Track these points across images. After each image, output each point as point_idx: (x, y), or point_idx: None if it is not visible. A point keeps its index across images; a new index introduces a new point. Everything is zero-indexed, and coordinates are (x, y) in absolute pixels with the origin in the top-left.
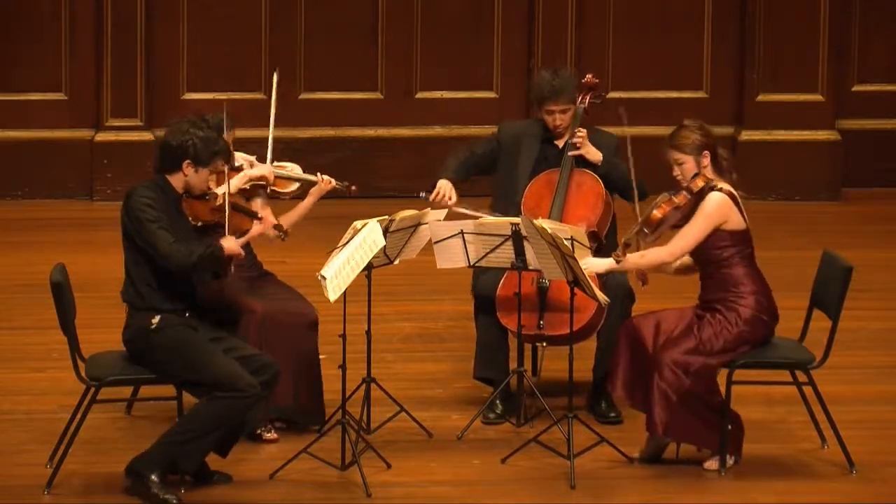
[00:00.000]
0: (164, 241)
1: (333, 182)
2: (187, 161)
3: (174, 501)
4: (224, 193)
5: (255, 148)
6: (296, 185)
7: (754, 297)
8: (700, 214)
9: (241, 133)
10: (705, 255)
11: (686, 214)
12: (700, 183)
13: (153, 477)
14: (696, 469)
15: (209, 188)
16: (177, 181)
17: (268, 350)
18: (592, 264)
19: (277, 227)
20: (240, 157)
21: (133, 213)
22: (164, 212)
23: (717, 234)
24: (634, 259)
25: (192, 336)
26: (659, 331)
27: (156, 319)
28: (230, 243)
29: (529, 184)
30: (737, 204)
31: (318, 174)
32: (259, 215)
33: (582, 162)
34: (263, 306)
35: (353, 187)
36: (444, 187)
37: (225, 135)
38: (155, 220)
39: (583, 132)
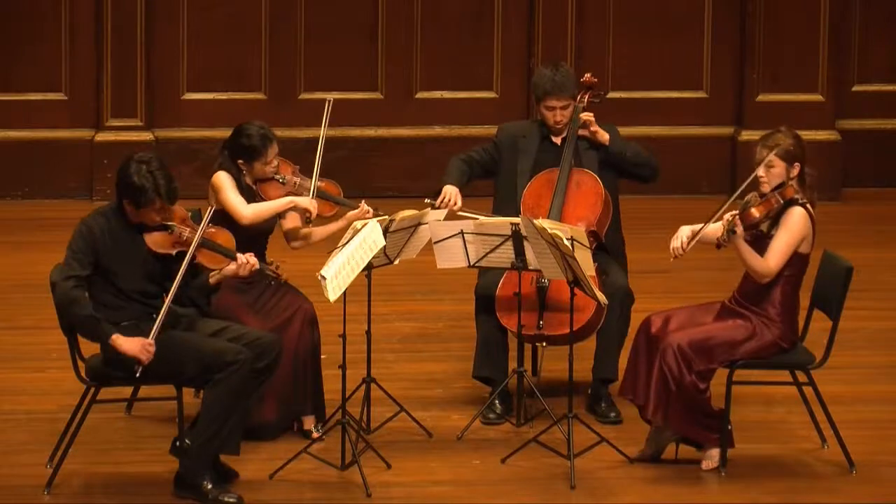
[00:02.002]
0: (60, 272)
1: (371, 212)
2: (126, 200)
3: (234, 500)
4: (192, 230)
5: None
6: (335, 210)
7: (784, 325)
8: (785, 229)
9: None
10: None
11: (769, 219)
12: (791, 192)
13: (207, 485)
14: (696, 469)
15: (180, 221)
16: (128, 214)
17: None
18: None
19: (274, 272)
20: (288, 175)
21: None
22: (109, 241)
23: None
24: (745, 248)
25: (164, 338)
26: (668, 324)
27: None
28: (128, 345)
29: (528, 183)
30: (813, 225)
31: (362, 204)
32: (235, 256)
33: (589, 145)
34: (258, 321)
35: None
36: (451, 192)
37: (270, 151)
38: (75, 249)
39: (590, 114)
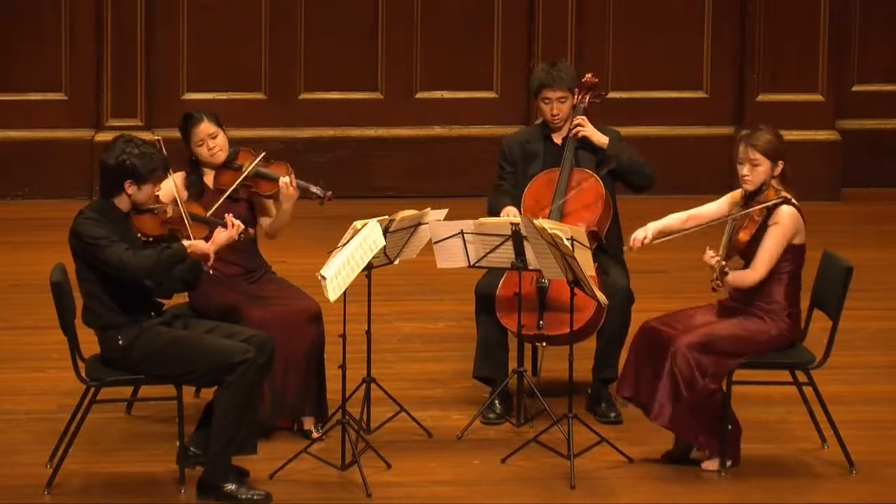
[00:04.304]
0: (117, 252)
1: (291, 179)
2: (128, 181)
3: (261, 497)
4: (175, 204)
5: (255, 146)
6: (274, 189)
7: (791, 320)
8: (777, 229)
9: (242, 134)
10: None
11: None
12: (773, 196)
13: (230, 486)
14: (696, 469)
15: (157, 201)
16: (122, 202)
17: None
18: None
19: (244, 231)
20: (245, 163)
21: (80, 234)
22: (111, 230)
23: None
24: (733, 278)
25: (168, 336)
26: (671, 326)
27: (120, 338)
28: (197, 243)
29: (529, 183)
30: (802, 216)
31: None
32: (224, 222)
33: (588, 147)
34: (262, 313)
35: (329, 193)
36: (514, 212)
37: (197, 129)
38: (102, 236)
39: (582, 117)
